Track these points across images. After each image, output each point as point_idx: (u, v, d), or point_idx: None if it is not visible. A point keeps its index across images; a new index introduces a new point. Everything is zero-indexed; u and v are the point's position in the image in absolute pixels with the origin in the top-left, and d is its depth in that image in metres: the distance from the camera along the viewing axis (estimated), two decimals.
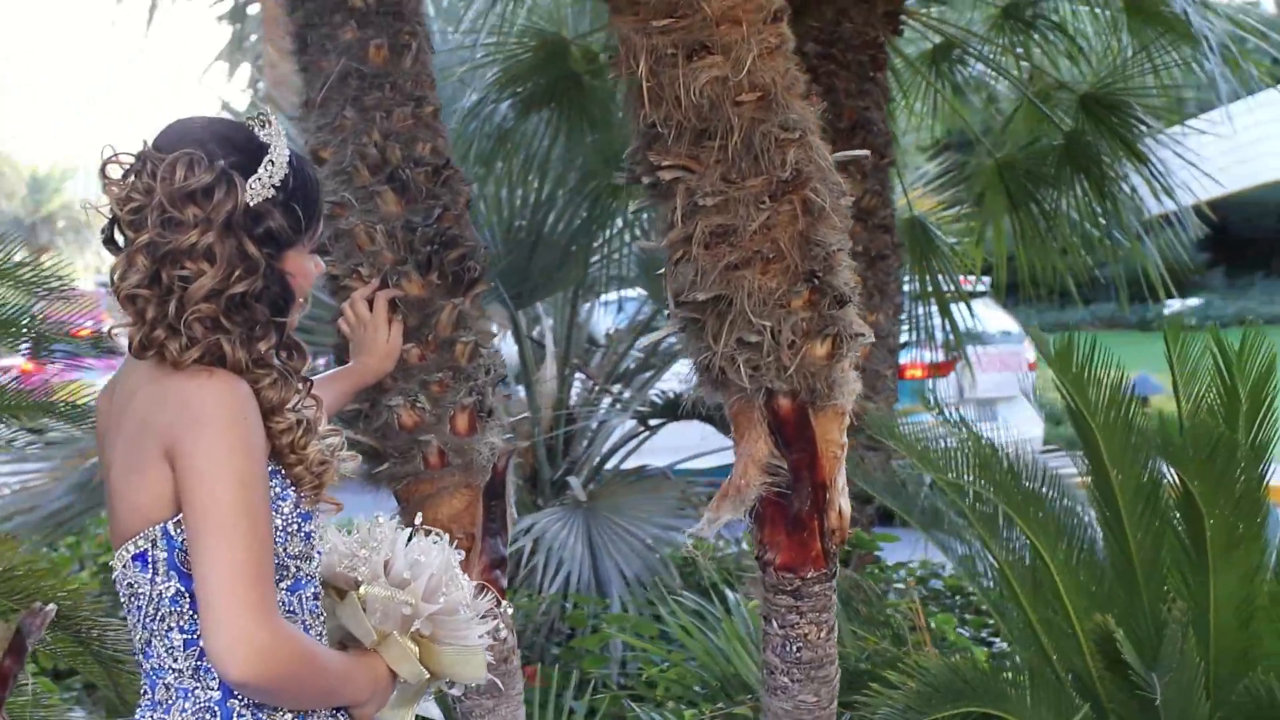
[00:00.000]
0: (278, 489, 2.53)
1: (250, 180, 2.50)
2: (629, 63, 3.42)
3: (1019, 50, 7.43)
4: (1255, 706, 3.90)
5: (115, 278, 2.51)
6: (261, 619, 2.37)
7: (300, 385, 2.59)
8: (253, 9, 32.86)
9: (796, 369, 3.45)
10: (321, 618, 2.65)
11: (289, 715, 2.54)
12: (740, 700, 4.42)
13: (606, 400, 8.92)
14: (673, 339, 8.91)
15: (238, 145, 2.53)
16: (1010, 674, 4.25)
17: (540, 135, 7.39)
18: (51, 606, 3.64)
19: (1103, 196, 7.12)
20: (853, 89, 6.36)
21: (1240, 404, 4.36)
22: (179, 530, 2.47)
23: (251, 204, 2.50)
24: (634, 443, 8.60)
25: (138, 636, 2.58)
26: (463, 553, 3.31)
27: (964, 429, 4.77)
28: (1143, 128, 6.97)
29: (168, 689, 2.54)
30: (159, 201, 2.46)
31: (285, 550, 2.53)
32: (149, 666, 2.57)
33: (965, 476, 4.57)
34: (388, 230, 4.16)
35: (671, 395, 8.26)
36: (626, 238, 8.32)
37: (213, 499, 2.38)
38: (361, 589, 2.65)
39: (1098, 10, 7.14)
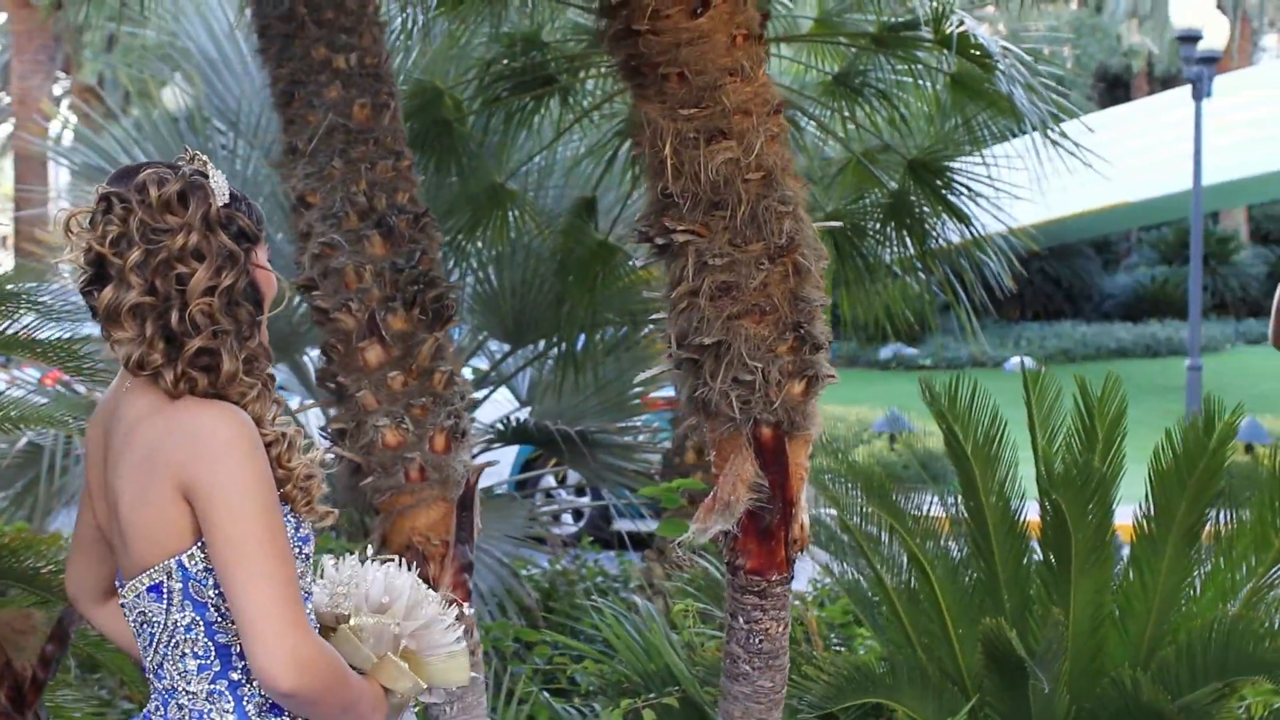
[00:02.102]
0: None
1: (210, 185, 2.67)
2: (654, 142, 4.03)
3: (847, 114, 8.11)
4: (1119, 697, 4.60)
5: (110, 303, 2.61)
6: (304, 634, 2.56)
7: (276, 399, 2.75)
8: None
9: (780, 404, 4.09)
10: None
11: None
12: (668, 692, 5.00)
13: None
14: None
15: (183, 165, 2.69)
16: (904, 672, 4.88)
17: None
18: None
19: (924, 251, 7.85)
20: None
21: (1097, 440, 5.09)
22: (193, 562, 2.61)
23: (221, 205, 2.65)
24: None
25: (149, 659, 2.72)
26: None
27: (841, 456, 5.41)
28: (965, 191, 7.72)
29: (180, 709, 2.68)
30: (140, 220, 2.60)
31: None
32: (161, 687, 2.71)
33: (853, 498, 5.21)
34: (376, 270, 4.67)
35: (518, 421, 8.76)
36: (465, 273, 8.75)
37: (243, 529, 2.54)
38: (352, 620, 2.82)
39: (921, 83, 7.84)
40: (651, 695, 4.99)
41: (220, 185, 2.69)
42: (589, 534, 11.63)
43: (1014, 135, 7.75)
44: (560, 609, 7.55)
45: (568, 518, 13.49)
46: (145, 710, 2.77)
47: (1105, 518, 4.95)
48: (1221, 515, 5.12)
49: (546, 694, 5.60)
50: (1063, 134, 7.42)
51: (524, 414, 9.09)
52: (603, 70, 7.94)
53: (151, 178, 2.63)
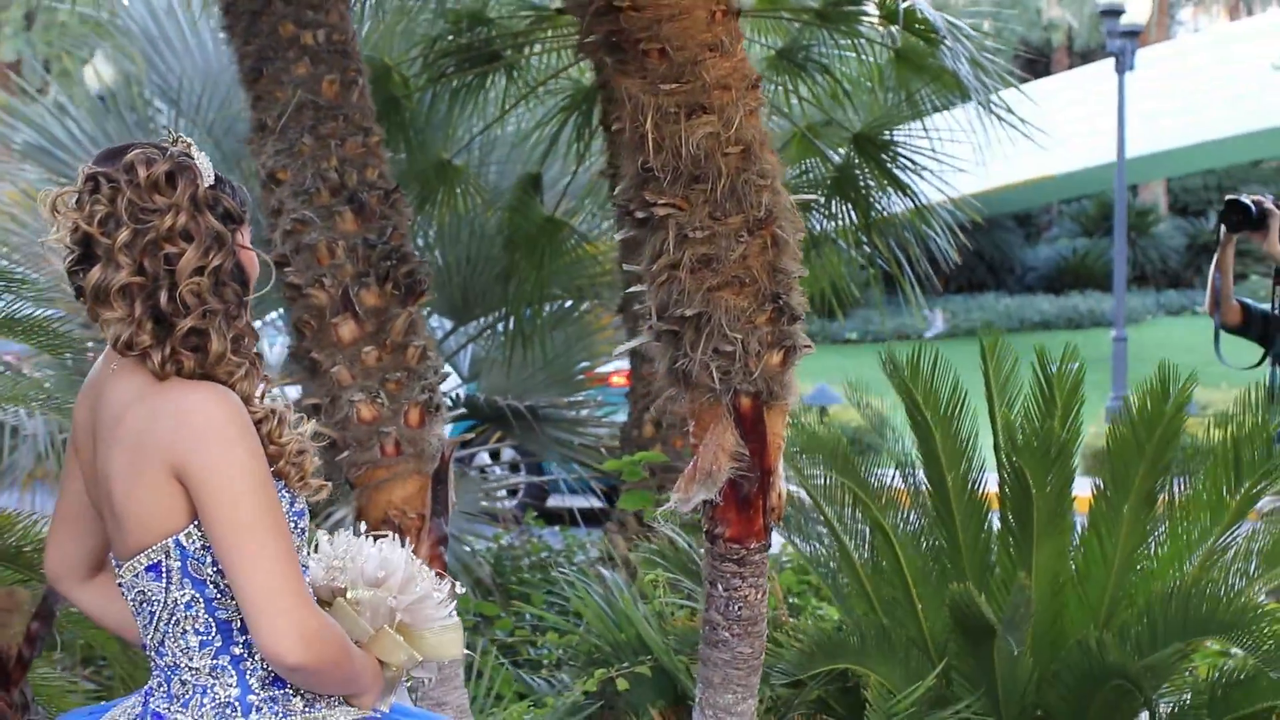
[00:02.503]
0: None
1: (197, 165, 2.67)
2: (635, 117, 4.08)
3: (790, 89, 8.17)
4: (1083, 658, 4.70)
5: (98, 283, 2.61)
6: (308, 608, 2.59)
7: (263, 376, 2.76)
8: None
9: (759, 374, 4.16)
10: None
11: (300, 702, 2.74)
12: (639, 661, 5.06)
13: None
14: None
15: (169, 146, 2.69)
16: (872, 639, 4.96)
17: None
18: None
19: (868, 225, 7.93)
20: None
21: (1056, 407, 5.18)
22: (190, 541, 2.63)
23: (207, 186, 2.66)
24: None
25: (149, 636, 2.73)
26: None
27: (804, 428, 5.49)
28: (910, 164, 7.79)
29: (184, 684, 2.71)
30: (128, 200, 2.59)
31: None
32: (163, 663, 2.73)
33: (816, 469, 5.29)
34: (348, 246, 4.70)
35: (466, 397, 8.79)
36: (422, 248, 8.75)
37: (240, 509, 2.56)
38: (349, 594, 2.84)
39: (865, 58, 7.90)
40: (623, 664, 5.05)
41: (206, 166, 2.69)
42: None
43: (953, 107, 7.84)
44: (509, 584, 7.59)
45: (501, 493, 13.52)
46: (147, 686, 2.79)
47: (1066, 483, 5.04)
48: (1175, 482, 5.22)
49: (513, 667, 5.64)
50: (1008, 108, 7.51)
51: (466, 390, 9.12)
52: (547, 46, 7.98)
53: (140, 158, 2.63)
